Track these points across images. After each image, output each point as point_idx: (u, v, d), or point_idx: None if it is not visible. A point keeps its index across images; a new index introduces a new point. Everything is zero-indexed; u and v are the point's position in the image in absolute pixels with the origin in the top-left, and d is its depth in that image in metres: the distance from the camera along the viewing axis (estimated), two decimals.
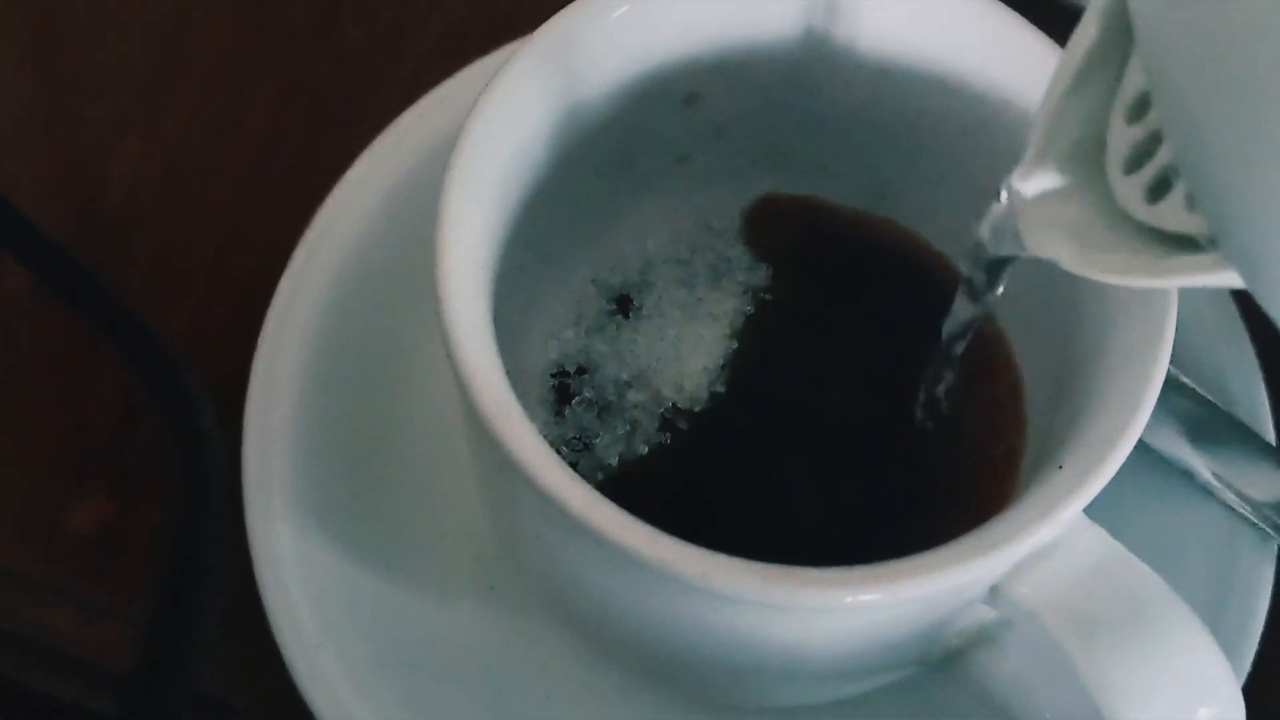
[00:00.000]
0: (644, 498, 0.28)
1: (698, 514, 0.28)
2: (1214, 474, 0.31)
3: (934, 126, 0.28)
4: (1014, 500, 0.26)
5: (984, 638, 0.27)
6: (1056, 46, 0.25)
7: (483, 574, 0.30)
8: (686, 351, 0.30)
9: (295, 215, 0.31)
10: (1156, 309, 0.24)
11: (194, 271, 0.34)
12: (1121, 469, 0.24)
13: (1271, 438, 0.31)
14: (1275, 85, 0.15)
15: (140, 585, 0.30)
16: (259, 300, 0.31)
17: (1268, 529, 0.30)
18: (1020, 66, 0.26)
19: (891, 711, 0.29)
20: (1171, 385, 0.31)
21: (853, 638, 0.25)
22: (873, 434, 0.29)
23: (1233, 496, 0.31)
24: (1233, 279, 0.18)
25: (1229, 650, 0.28)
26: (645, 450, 0.29)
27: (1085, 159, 0.21)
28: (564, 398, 0.29)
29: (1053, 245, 0.22)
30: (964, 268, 0.25)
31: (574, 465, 0.28)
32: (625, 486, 0.28)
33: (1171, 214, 0.20)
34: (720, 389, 0.29)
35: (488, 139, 0.25)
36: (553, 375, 0.30)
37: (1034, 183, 0.22)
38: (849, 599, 0.23)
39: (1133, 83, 0.21)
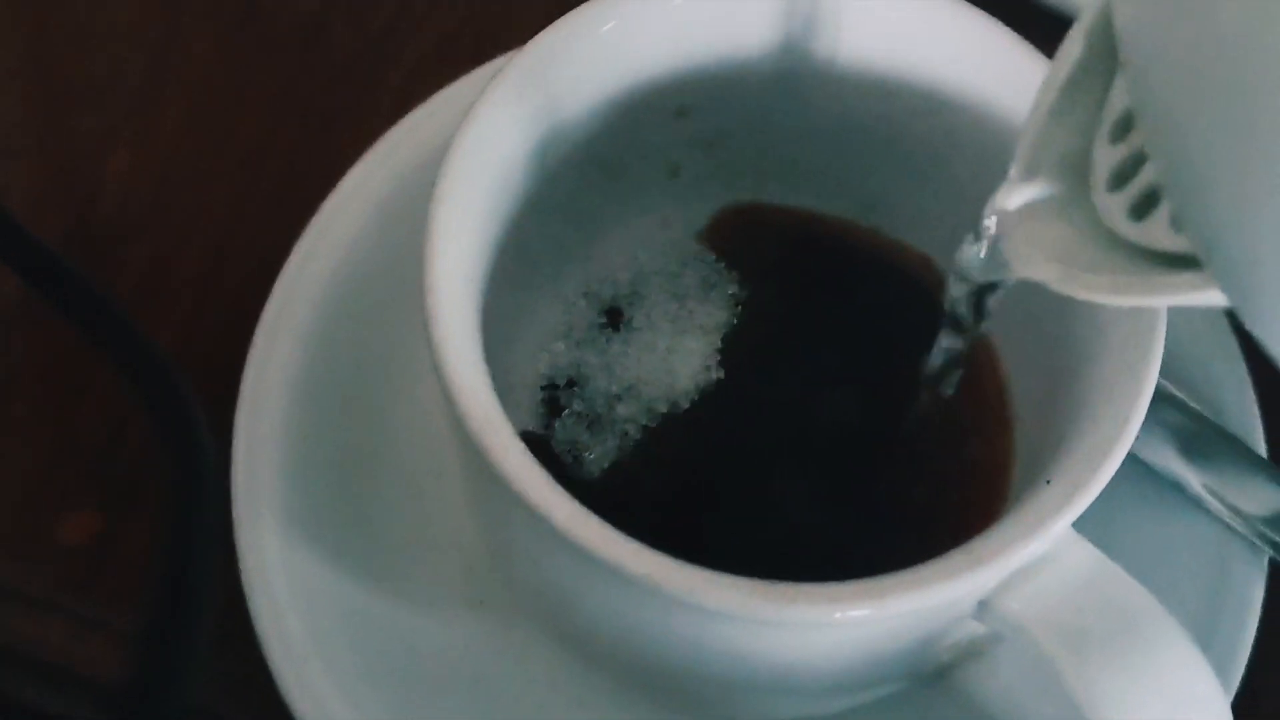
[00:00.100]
0: (633, 511, 0.28)
1: (687, 527, 0.28)
2: (1205, 486, 0.31)
3: (924, 137, 0.28)
4: (1003, 513, 0.26)
5: (974, 651, 0.27)
6: (1044, 58, 0.25)
7: (472, 586, 0.30)
8: (677, 364, 0.30)
9: (286, 226, 0.31)
10: (1146, 321, 0.24)
11: (185, 283, 0.34)
12: (1112, 480, 0.24)
13: (1263, 450, 0.31)
14: (1260, 109, 0.15)
15: (130, 598, 0.30)
16: (250, 311, 0.31)
17: (1258, 542, 0.30)
18: (1008, 78, 0.26)
19: None
20: (1162, 397, 0.31)
21: (842, 652, 0.25)
22: (862, 447, 0.29)
23: (1223, 509, 0.31)
24: (1217, 298, 0.18)
25: (1219, 663, 0.29)
26: (634, 463, 0.29)
27: (1071, 177, 0.21)
28: (554, 410, 0.29)
29: (1038, 266, 0.21)
30: (947, 301, 0.25)
31: (563, 478, 0.28)
32: (614, 500, 0.28)
33: (1156, 232, 0.20)
34: (710, 402, 0.29)
35: (476, 153, 0.25)
36: (543, 388, 0.30)
37: (1019, 201, 0.22)
38: (837, 614, 0.23)
39: (1118, 101, 0.21)
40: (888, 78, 0.27)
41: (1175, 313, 0.25)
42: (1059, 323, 0.26)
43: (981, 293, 0.24)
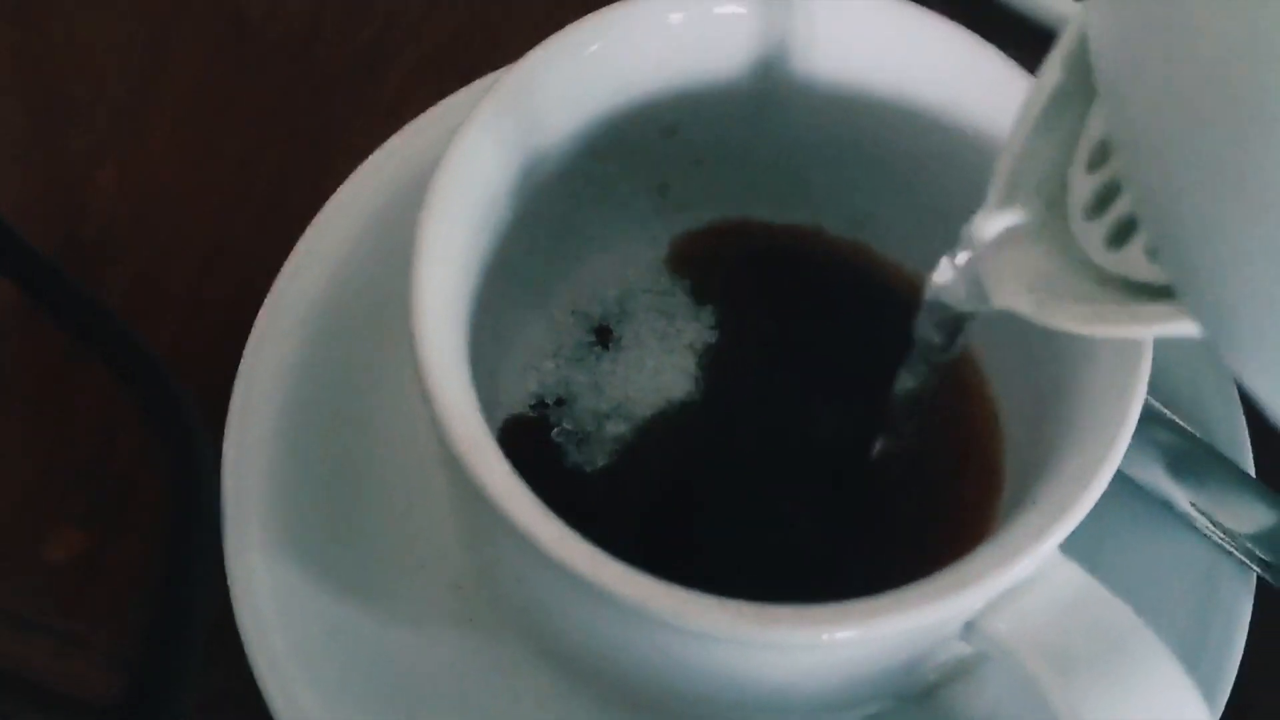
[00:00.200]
0: (621, 530, 0.28)
1: (674, 546, 0.28)
2: (1193, 504, 0.31)
3: (912, 155, 0.28)
4: (992, 533, 0.26)
5: (961, 671, 0.27)
6: (1030, 76, 0.25)
7: (459, 603, 0.30)
8: (665, 382, 0.30)
9: (275, 241, 0.31)
10: (1134, 342, 0.24)
11: (172, 298, 0.34)
12: (1100, 499, 0.24)
13: (1251, 469, 0.31)
14: (1235, 145, 0.15)
15: (117, 616, 0.30)
16: (238, 327, 0.31)
17: (1246, 560, 0.30)
18: (995, 97, 0.26)
19: None
20: (1151, 416, 0.31)
21: (829, 673, 0.25)
22: (850, 466, 0.29)
23: (1211, 527, 0.31)
24: (1193, 329, 0.18)
25: (1207, 682, 0.29)
26: (622, 481, 0.29)
27: (1048, 203, 0.21)
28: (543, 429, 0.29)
29: (1014, 294, 0.21)
30: (918, 330, 0.25)
31: (550, 497, 0.28)
32: (601, 519, 0.28)
33: (1133, 261, 0.20)
34: (698, 420, 0.29)
35: (462, 176, 0.25)
36: (531, 406, 0.30)
37: (996, 228, 0.22)
38: (824, 636, 0.23)
39: (1095, 128, 0.21)
40: (874, 96, 0.27)
41: None
42: (1047, 343, 0.26)
43: (956, 321, 0.24)
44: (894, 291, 0.31)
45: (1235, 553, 0.30)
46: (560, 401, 0.30)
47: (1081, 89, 0.20)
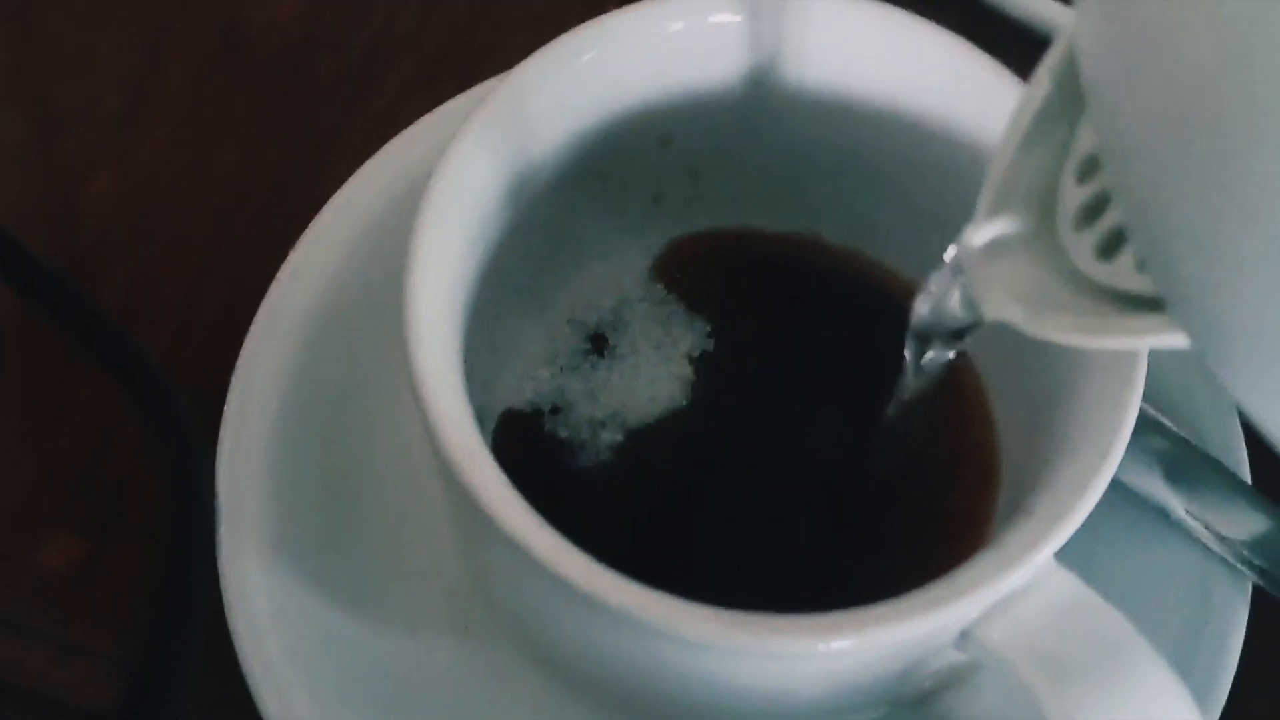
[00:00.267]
0: (616, 538, 0.28)
1: (669, 555, 0.28)
2: (1189, 511, 0.31)
3: (909, 164, 0.28)
4: (988, 541, 0.26)
5: (956, 678, 0.27)
6: (1025, 84, 0.25)
7: (456, 612, 0.30)
8: (661, 391, 0.30)
9: (269, 251, 0.31)
10: (1128, 352, 0.24)
11: (168, 305, 0.34)
12: (1096, 506, 0.24)
13: (1247, 476, 0.31)
14: (1224, 160, 0.15)
15: (112, 623, 0.30)
16: (232, 336, 0.31)
17: (1241, 566, 0.30)
18: (991, 106, 0.26)
19: None
20: (1147, 423, 0.31)
21: (823, 681, 0.25)
22: (846, 475, 0.29)
23: (1207, 534, 0.31)
24: (1182, 341, 0.18)
25: (1201, 689, 0.29)
26: (617, 489, 0.29)
27: (1038, 214, 0.21)
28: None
29: (1005, 305, 0.21)
30: (910, 342, 0.25)
31: (545, 504, 0.28)
32: (596, 527, 0.28)
33: (1123, 273, 0.20)
34: (693, 428, 0.29)
35: (455, 188, 0.25)
36: (527, 414, 0.30)
37: (986, 238, 0.22)
38: (819, 646, 0.23)
39: (1085, 139, 0.21)
40: (870, 105, 0.27)
41: None
42: (1043, 351, 0.26)
43: (949, 333, 0.24)
44: (892, 299, 0.31)
45: (1231, 560, 0.30)
46: (556, 409, 0.30)
47: (1071, 101, 0.20)
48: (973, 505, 0.28)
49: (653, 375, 0.30)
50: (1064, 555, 0.24)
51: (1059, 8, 0.36)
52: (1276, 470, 0.31)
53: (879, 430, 0.27)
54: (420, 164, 0.30)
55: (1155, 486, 0.31)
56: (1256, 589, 0.30)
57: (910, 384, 0.25)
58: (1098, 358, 0.25)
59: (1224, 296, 0.16)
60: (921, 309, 0.24)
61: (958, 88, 0.27)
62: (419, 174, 0.26)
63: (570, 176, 0.27)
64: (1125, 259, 0.19)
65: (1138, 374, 0.24)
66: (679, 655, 0.24)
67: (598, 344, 0.30)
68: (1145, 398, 0.24)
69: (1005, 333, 0.26)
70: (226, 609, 0.28)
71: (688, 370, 0.30)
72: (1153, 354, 0.24)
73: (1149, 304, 0.19)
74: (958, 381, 0.29)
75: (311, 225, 0.31)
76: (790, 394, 0.30)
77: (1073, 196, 0.21)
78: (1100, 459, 0.24)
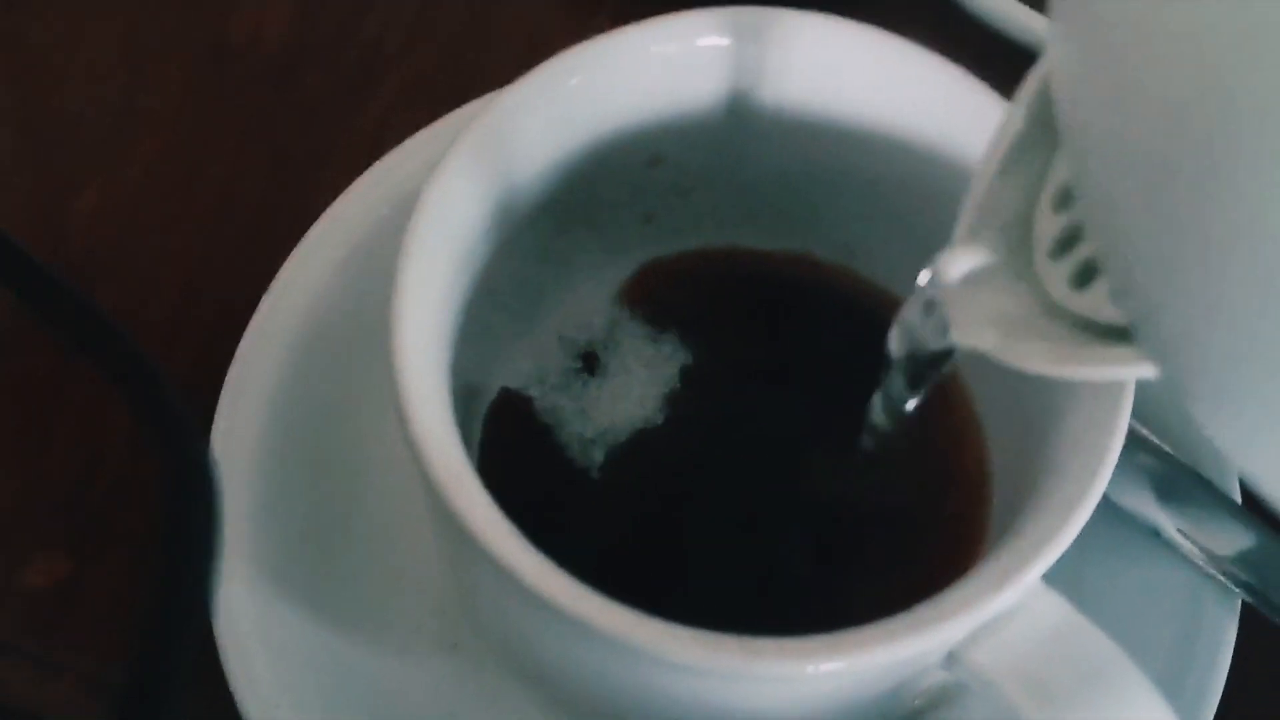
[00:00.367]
0: (605, 557, 0.28)
1: (658, 575, 0.28)
2: (1180, 530, 0.31)
3: (899, 184, 0.28)
4: (978, 562, 0.26)
5: (944, 698, 0.27)
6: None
7: (444, 631, 0.30)
8: (652, 409, 0.30)
9: (257, 269, 0.31)
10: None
11: (153, 326, 0.34)
12: (1087, 525, 0.24)
13: (1236, 494, 0.31)
14: (1194, 201, 0.15)
15: (97, 642, 0.30)
16: (219, 354, 0.30)
17: (1231, 584, 0.30)
18: (975, 126, 0.26)
19: None
20: (1137, 442, 0.31)
21: (809, 703, 0.25)
22: (837, 496, 0.29)
23: (1197, 552, 0.31)
24: (1153, 373, 0.18)
25: (1191, 707, 0.29)
26: (607, 508, 0.29)
27: (1014, 243, 0.21)
28: None
29: (978, 333, 0.21)
30: (885, 377, 0.25)
31: (534, 525, 0.28)
32: (584, 547, 0.28)
33: (1096, 303, 0.19)
34: (683, 447, 0.29)
35: (441, 212, 0.25)
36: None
37: (962, 267, 0.22)
38: (808, 669, 0.23)
39: (1060, 170, 0.21)
40: (857, 126, 0.28)
41: None
42: (1031, 375, 0.26)
43: (926, 363, 0.24)
44: (884, 317, 0.30)
45: (1221, 578, 0.30)
46: (546, 428, 0.30)
47: (1048, 129, 0.20)
48: (965, 526, 0.28)
49: (643, 394, 0.30)
50: (1055, 573, 0.24)
51: (1045, 21, 0.36)
52: None
53: (865, 451, 0.27)
54: (409, 183, 0.30)
55: (1146, 505, 0.31)
56: (1245, 606, 0.30)
57: (889, 406, 0.25)
58: (1086, 383, 0.25)
59: (1193, 335, 0.16)
60: (895, 337, 0.24)
61: (945, 109, 0.27)
62: (408, 193, 0.26)
63: (560, 197, 0.27)
64: (1099, 289, 0.19)
65: (1125, 398, 0.24)
66: (666, 678, 0.24)
67: (588, 362, 0.30)
68: (1136, 416, 0.24)
69: None
70: (213, 629, 0.28)
71: (678, 389, 0.30)
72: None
73: (1122, 334, 0.19)
74: (950, 403, 0.29)
75: (298, 246, 0.31)
76: (782, 413, 0.30)
77: (1048, 225, 0.21)
78: (1087, 483, 0.24)
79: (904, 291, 0.30)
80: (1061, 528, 0.23)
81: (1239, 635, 0.30)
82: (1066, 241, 0.20)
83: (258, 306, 0.31)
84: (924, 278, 0.22)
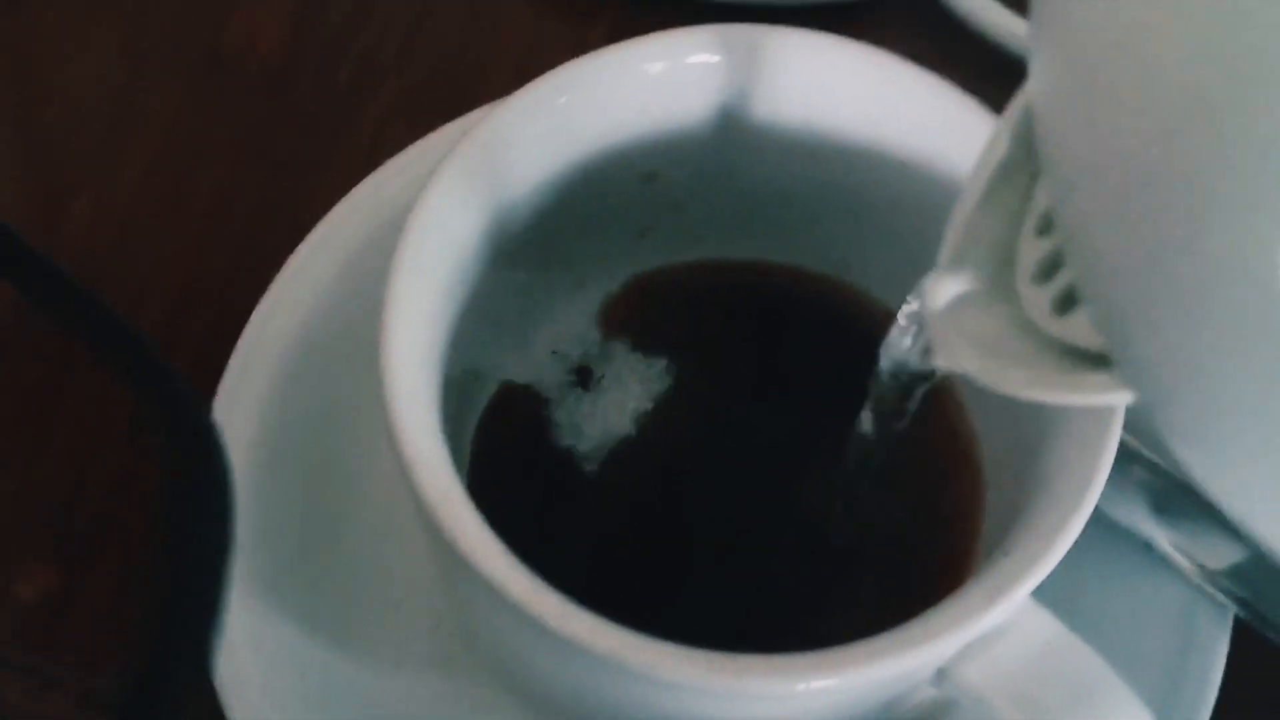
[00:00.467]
0: (596, 573, 0.28)
1: (649, 590, 0.28)
2: (1173, 544, 0.31)
3: (892, 200, 0.29)
4: (971, 577, 0.26)
5: (935, 715, 0.27)
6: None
7: (437, 646, 0.30)
8: (645, 425, 0.30)
9: (250, 280, 0.31)
10: None
11: (148, 331, 0.33)
12: (1080, 539, 0.24)
13: None
14: (1171, 233, 0.15)
15: (89, 655, 0.30)
16: (213, 364, 0.30)
17: (1223, 597, 0.30)
18: (966, 144, 0.26)
19: None
20: (1131, 456, 0.31)
21: (800, 718, 0.25)
22: (831, 509, 0.29)
23: (1191, 567, 0.31)
24: (1131, 399, 0.18)
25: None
26: (600, 523, 0.29)
27: (998, 267, 0.21)
28: None
29: (961, 356, 0.21)
30: (872, 396, 0.25)
31: (525, 538, 0.28)
32: (578, 561, 0.28)
33: (1077, 329, 0.19)
34: (678, 461, 0.29)
35: (431, 230, 0.25)
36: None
37: (946, 291, 0.22)
38: (798, 687, 0.23)
39: (1043, 196, 0.21)
40: (848, 142, 0.28)
41: None
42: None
43: (911, 384, 0.24)
44: (877, 331, 0.30)
45: (1213, 591, 0.30)
46: (538, 442, 0.30)
47: (1032, 154, 0.20)
48: (957, 542, 0.28)
49: (636, 408, 0.30)
50: (1048, 587, 0.24)
51: None
52: None
53: (856, 466, 0.27)
54: (402, 196, 0.30)
55: (1140, 519, 0.31)
56: (1238, 621, 0.30)
57: (872, 428, 0.25)
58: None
59: (1168, 363, 0.16)
60: (881, 357, 0.24)
61: (936, 126, 0.27)
62: (401, 206, 0.26)
63: (553, 212, 0.27)
64: (1081, 315, 0.19)
65: (1115, 418, 0.24)
66: (656, 695, 0.24)
67: (581, 376, 0.30)
68: (1129, 431, 0.24)
69: None
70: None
71: (672, 403, 0.30)
72: None
73: (1103, 361, 0.19)
74: (944, 420, 0.29)
75: (291, 257, 0.31)
76: (774, 428, 0.30)
77: (1031, 251, 0.21)
78: (1077, 502, 0.24)
79: (898, 304, 0.30)
80: (1050, 546, 0.23)
81: (1231, 650, 0.30)
82: (1049, 267, 0.20)
83: (250, 318, 0.31)
84: (908, 304, 0.22)
